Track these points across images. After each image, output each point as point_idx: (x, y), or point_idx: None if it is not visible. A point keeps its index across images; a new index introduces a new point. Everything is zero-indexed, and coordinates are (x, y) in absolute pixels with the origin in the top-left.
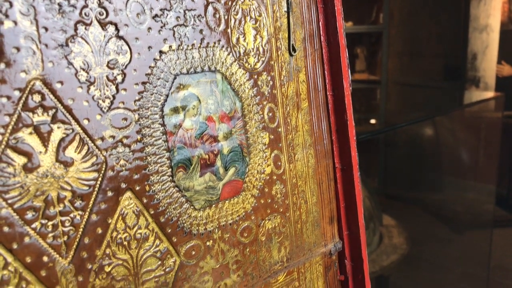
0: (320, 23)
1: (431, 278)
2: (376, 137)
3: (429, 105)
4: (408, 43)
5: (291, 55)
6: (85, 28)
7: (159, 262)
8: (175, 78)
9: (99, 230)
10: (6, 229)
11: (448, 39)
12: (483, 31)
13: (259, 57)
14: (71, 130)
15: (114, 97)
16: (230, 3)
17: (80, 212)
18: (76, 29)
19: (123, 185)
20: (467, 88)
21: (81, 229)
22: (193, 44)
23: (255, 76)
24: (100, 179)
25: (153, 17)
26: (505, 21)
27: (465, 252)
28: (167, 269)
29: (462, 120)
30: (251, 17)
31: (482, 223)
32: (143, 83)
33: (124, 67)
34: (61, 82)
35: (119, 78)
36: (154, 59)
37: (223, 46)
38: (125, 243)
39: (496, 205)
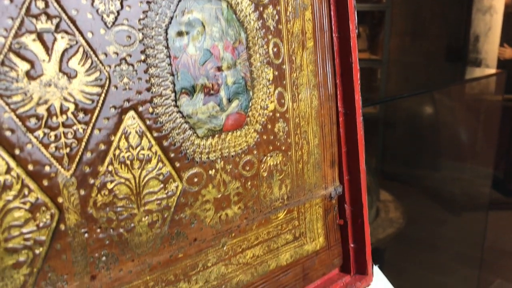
0: None
1: (425, 256)
2: (375, 117)
3: (430, 85)
4: (410, 23)
5: None
6: None
7: (162, 185)
8: (180, 1)
9: (102, 146)
10: (8, 133)
11: (451, 20)
12: (487, 12)
13: None
14: (74, 42)
15: (118, 13)
16: None
17: (83, 126)
18: None
19: (126, 104)
20: (468, 70)
21: (83, 143)
22: None
23: (261, 9)
24: (103, 95)
25: None
26: (509, 2)
27: (459, 232)
28: (169, 193)
29: (462, 101)
30: None
31: (478, 206)
32: (148, 2)
33: None
34: None
35: None
36: None
37: None
38: (128, 162)
39: (492, 188)
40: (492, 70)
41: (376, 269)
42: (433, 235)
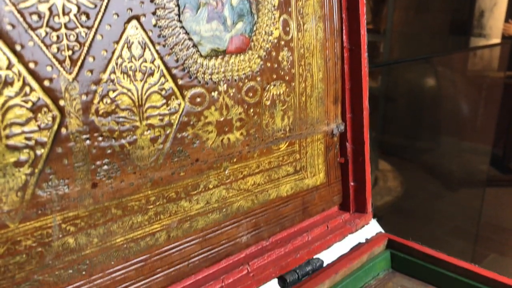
0: None
1: (420, 228)
2: (376, 91)
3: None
4: None
5: None
6: None
7: (164, 101)
8: None
9: (104, 53)
10: (9, 28)
11: None
12: None
13: None
14: None
15: None
16: None
17: (85, 30)
18: None
19: (129, 13)
20: (472, 41)
21: (86, 47)
22: None
23: None
24: (106, 0)
25: None
26: None
27: (456, 208)
28: (171, 110)
29: (464, 76)
30: None
31: (475, 182)
32: None
33: None
34: None
35: None
36: None
37: None
38: (130, 73)
39: (490, 166)
40: (497, 39)
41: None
42: (429, 209)
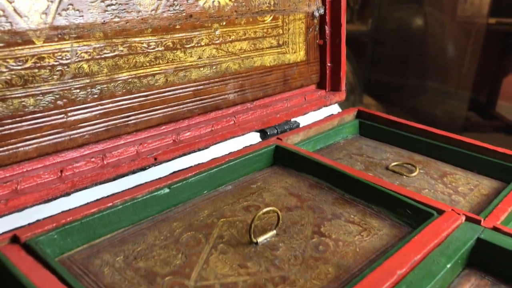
0: None
1: None
2: (366, 35)
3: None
4: None
5: None
6: None
7: None
8: None
9: None
10: None
11: None
12: None
13: None
14: None
15: None
16: None
17: None
18: None
19: None
20: None
21: None
22: None
23: None
24: None
25: None
26: None
27: None
28: None
29: (454, 20)
30: None
31: (458, 127)
32: None
33: None
34: None
35: None
36: None
37: None
38: None
39: (473, 112)
40: None
41: None
42: None
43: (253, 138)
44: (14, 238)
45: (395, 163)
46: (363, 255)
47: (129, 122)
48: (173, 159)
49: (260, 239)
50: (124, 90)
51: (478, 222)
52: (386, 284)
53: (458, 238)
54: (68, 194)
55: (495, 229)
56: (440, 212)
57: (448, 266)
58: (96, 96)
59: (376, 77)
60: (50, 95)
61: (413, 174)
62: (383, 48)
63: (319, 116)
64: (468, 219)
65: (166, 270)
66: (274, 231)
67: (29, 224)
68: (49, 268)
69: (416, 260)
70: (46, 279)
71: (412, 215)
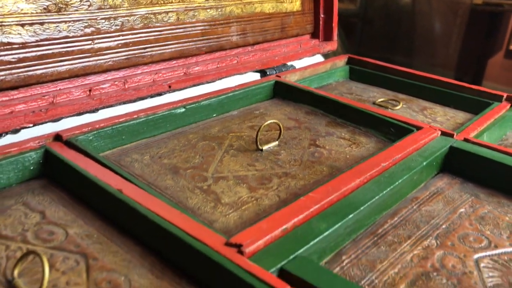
0: None
1: None
2: (354, 14)
3: None
4: None
5: None
6: None
7: None
8: None
9: None
10: None
11: None
12: None
13: None
14: None
15: None
16: None
17: None
18: None
19: None
20: None
21: None
22: None
23: None
24: None
25: None
26: None
27: None
28: None
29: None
30: None
31: None
32: None
33: None
34: None
35: None
36: None
37: None
38: None
39: None
40: None
41: None
42: None
43: (254, 77)
44: (57, 136)
45: (381, 99)
46: (352, 160)
47: (146, 54)
48: (184, 88)
49: (265, 147)
50: (141, 24)
51: (451, 135)
52: (372, 172)
53: (433, 146)
54: (96, 110)
55: (466, 140)
56: (419, 128)
57: (424, 163)
58: (118, 27)
59: (365, 55)
60: (80, 22)
61: (397, 108)
62: (371, 27)
63: (313, 61)
64: (443, 133)
65: (187, 166)
66: (277, 142)
67: (67, 128)
68: (90, 158)
69: (397, 158)
70: (88, 163)
71: (395, 132)
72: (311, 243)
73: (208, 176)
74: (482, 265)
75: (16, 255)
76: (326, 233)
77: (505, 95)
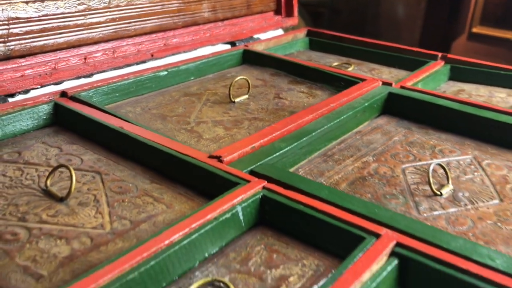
0: None
1: None
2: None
3: None
4: None
5: None
6: None
7: None
8: None
9: None
10: None
11: None
12: None
13: None
14: None
15: None
16: None
17: None
18: None
19: None
20: None
21: None
22: None
23: None
24: None
25: None
26: None
27: None
28: None
29: None
30: None
31: None
32: None
33: None
34: None
35: None
36: None
37: None
38: None
39: None
40: None
41: None
42: None
43: (225, 48)
44: (62, 93)
45: (335, 63)
46: (309, 106)
47: (130, 28)
48: (165, 57)
49: (237, 100)
50: (126, 2)
51: (390, 84)
52: (322, 110)
53: (375, 92)
54: (91, 75)
55: (402, 87)
56: (364, 80)
57: (366, 104)
58: (106, 4)
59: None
60: (74, 0)
61: (349, 69)
62: (339, 15)
63: (276, 33)
64: (384, 83)
65: (172, 114)
66: (246, 96)
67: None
68: (92, 107)
69: (344, 100)
70: (92, 111)
71: (344, 85)
72: (274, 155)
73: (191, 121)
74: (407, 171)
75: (45, 174)
76: (286, 149)
77: (440, 54)
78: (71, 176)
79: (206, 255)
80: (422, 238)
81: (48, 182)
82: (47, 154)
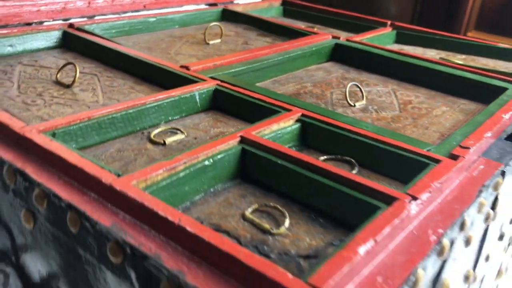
0: None
1: None
2: None
3: None
4: None
5: None
6: None
7: None
8: None
9: None
10: None
11: None
12: None
13: None
14: None
15: None
16: None
17: None
18: None
19: None
20: None
21: None
22: None
23: None
24: None
25: None
26: None
27: None
28: None
29: None
30: None
31: None
32: None
33: None
34: None
35: None
36: None
37: None
38: None
39: None
40: None
41: None
42: None
43: None
44: (70, 25)
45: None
46: None
47: None
48: (155, 9)
49: (211, 42)
50: None
51: (338, 38)
52: (276, 48)
53: (324, 42)
54: (93, 16)
55: (347, 40)
56: (317, 33)
57: (314, 49)
58: None
59: None
60: None
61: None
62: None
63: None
64: (334, 37)
65: (157, 48)
66: (219, 40)
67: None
68: (95, 36)
69: (296, 45)
70: (94, 38)
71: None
72: (230, 70)
73: (171, 53)
74: (334, 93)
75: (56, 72)
76: (240, 68)
77: (389, 22)
78: (75, 69)
79: (170, 118)
80: (319, 114)
81: (58, 76)
82: (56, 62)
